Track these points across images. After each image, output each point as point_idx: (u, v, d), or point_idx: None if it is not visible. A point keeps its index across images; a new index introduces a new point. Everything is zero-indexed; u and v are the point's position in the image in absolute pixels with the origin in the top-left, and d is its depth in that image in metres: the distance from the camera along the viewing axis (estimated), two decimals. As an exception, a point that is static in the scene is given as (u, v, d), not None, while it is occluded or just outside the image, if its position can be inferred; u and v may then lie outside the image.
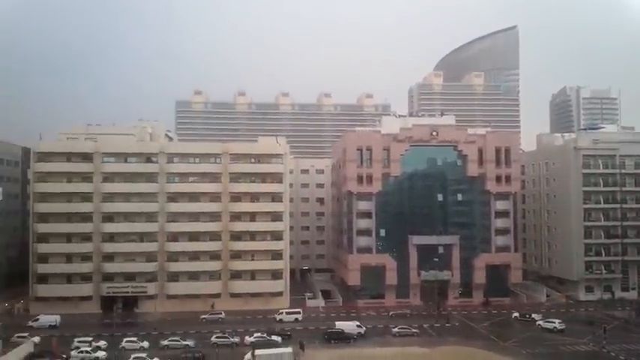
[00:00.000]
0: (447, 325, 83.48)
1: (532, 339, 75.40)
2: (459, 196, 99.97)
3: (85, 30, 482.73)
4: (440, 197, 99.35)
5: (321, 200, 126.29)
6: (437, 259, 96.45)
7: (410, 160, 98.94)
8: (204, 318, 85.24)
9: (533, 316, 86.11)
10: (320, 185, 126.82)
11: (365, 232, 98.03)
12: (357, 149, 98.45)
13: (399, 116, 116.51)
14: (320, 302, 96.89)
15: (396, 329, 77.89)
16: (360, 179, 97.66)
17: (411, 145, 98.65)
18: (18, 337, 71.13)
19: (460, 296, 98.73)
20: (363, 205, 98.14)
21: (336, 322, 79.47)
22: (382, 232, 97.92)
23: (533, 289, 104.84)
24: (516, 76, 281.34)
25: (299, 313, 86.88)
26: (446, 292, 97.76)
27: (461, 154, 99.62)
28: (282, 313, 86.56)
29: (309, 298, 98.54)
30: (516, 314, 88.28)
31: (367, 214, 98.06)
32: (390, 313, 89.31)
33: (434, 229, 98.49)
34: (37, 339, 69.75)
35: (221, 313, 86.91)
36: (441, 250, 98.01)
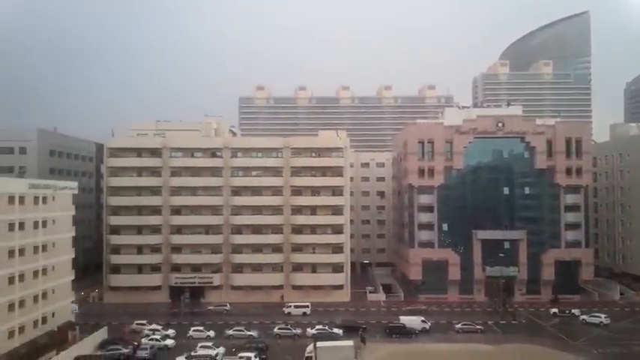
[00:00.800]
0: (513, 322, 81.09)
1: (602, 338, 71.91)
2: (526, 190, 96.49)
3: (151, 31, 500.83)
4: (506, 191, 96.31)
5: (381, 194, 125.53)
6: (502, 255, 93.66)
7: (474, 153, 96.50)
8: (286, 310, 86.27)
9: (573, 311, 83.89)
10: (380, 179, 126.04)
11: (427, 226, 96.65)
12: (419, 142, 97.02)
13: (463, 107, 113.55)
14: (381, 296, 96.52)
15: (459, 325, 76.43)
16: (421, 172, 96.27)
17: (475, 137, 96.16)
18: (137, 324, 75.25)
19: (527, 293, 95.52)
20: (424, 199, 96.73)
21: (400, 317, 78.90)
22: (444, 227, 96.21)
23: (605, 286, 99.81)
24: (588, 64, 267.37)
25: (307, 307, 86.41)
26: (512, 288, 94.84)
27: (528, 146, 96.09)
28: (290, 306, 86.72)
29: (370, 292, 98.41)
30: (555, 310, 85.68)
31: (429, 208, 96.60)
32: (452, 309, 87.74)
33: (499, 224, 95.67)
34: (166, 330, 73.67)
35: (293, 306, 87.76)
36: (506, 245, 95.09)
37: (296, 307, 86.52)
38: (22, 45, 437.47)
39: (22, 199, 61.50)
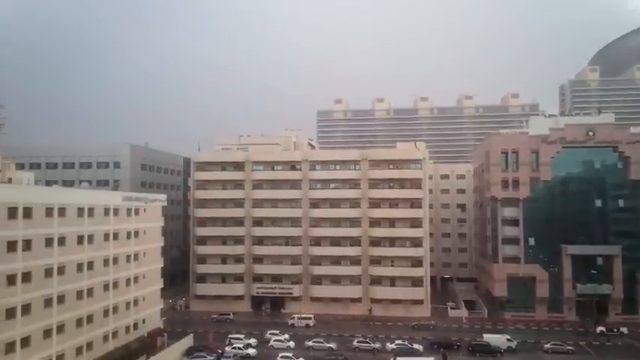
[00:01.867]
0: (607, 343, 75.79)
1: None
2: (621, 202, 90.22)
3: (233, 49, 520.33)
4: (598, 203, 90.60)
5: (462, 206, 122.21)
6: (595, 271, 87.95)
7: (562, 163, 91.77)
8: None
9: (621, 329, 79.41)
10: (461, 191, 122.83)
11: (512, 241, 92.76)
12: (502, 152, 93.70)
13: (549, 116, 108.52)
14: (463, 313, 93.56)
15: (548, 345, 72.46)
16: (505, 184, 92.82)
17: (564, 147, 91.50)
18: (271, 333, 76.33)
19: (623, 313, 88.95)
20: (508, 212, 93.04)
21: (484, 335, 76.08)
22: (531, 241, 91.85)
23: None
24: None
25: (310, 318, 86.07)
26: (606, 307, 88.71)
27: (622, 156, 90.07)
28: (294, 317, 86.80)
29: (451, 308, 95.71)
30: (602, 328, 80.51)
31: (514, 222, 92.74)
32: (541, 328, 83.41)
33: (591, 238, 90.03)
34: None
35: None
36: (599, 261, 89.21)
37: (299, 318, 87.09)
38: (120, 67, 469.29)
39: (116, 211, 65.73)
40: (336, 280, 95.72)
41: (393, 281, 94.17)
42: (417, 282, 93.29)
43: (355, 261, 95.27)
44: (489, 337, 74.48)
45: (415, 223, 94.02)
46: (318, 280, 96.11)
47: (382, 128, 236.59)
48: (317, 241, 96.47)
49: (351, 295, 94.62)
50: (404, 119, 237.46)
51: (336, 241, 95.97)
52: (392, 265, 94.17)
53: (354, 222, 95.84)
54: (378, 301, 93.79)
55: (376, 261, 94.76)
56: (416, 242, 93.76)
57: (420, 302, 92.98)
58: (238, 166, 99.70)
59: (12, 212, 48.02)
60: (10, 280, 47.35)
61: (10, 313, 47.32)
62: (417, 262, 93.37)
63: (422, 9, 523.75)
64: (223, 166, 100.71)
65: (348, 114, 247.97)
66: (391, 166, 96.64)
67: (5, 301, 46.54)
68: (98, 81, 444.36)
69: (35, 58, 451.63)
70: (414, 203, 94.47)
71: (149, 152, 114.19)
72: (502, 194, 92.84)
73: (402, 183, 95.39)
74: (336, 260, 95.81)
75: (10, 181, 54.28)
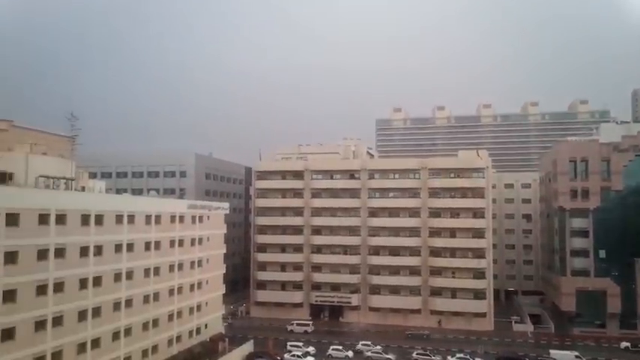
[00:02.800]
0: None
1: None
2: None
3: (289, 61, 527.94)
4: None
5: (527, 217, 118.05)
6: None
7: (635, 172, 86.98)
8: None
9: None
10: (526, 200, 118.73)
11: (580, 253, 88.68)
12: (571, 160, 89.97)
13: (621, 123, 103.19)
14: (528, 327, 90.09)
15: (620, 364, 68.73)
16: (573, 194, 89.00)
17: (637, 155, 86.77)
18: (334, 348, 75.20)
19: None
20: (577, 223, 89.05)
21: (551, 351, 72.95)
22: (602, 253, 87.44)
23: None
24: None
25: (308, 325, 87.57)
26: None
27: None
28: (292, 324, 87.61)
29: (515, 322, 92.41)
30: (627, 344, 77.49)
31: (583, 233, 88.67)
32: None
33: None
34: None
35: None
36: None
37: (298, 324, 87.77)
38: (186, 82, 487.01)
39: (181, 219, 68.02)
40: (395, 290, 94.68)
41: (454, 293, 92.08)
42: (479, 294, 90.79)
43: (415, 271, 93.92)
44: (556, 354, 71.44)
45: (477, 233, 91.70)
46: (376, 289, 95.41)
47: (442, 136, 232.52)
48: (375, 251, 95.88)
49: (411, 306, 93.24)
50: (465, 127, 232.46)
51: (395, 251, 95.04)
52: (453, 277, 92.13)
53: (414, 231, 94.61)
54: (439, 313, 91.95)
55: (437, 272, 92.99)
56: (478, 253, 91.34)
57: (482, 315, 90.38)
58: (298, 174, 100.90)
59: (85, 219, 50.65)
60: (82, 284, 49.84)
61: (82, 315, 49.79)
62: (479, 274, 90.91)
63: (484, 17, 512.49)
64: (283, 174, 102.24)
65: (407, 122, 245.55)
66: (452, 175, 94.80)
67: (78, 304, 49.04)
68: (167, 94, 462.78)
69: (108, 72, 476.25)
70: (477, 213, 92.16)
71: (213, 161, 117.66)
72: (570, 204, 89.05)
73: (463, 192, 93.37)
74: (395, 270, 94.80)
75: (83, 189, 57.28)
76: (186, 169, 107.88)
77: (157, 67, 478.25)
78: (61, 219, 47.23)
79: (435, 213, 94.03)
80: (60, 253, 46.96)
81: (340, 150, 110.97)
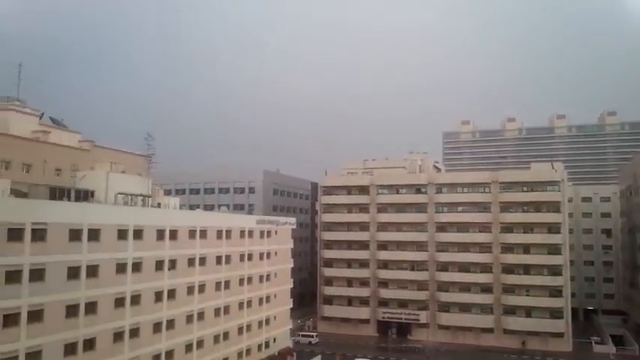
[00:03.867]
0: None
1: None
2: None
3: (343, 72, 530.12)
4: None
5: (607, 232, 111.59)
6: None
7: None
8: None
9: None
10: (606, 215, 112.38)
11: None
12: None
13: None
14: (610, 349, 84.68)
15: None
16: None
17: None
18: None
19: None
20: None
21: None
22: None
23: None
24: None
25: (312, 336, 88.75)
26: None
27: None
28: (298, 335, 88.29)
29: (596, 343, 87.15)
30: None
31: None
32: None
33: None
34: None
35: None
36: None
37: (303, 335, 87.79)
38: (252, 98, 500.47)
39: (251, 233, 69.58)
40: (465, 308, 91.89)
41: (528, 312, 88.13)
42: (556, 313, 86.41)
43: (486, 288, 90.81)
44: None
45: (553, 249, 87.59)
46: (445, 307, 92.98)
47: (513, 149, 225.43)
48: (444, 267, 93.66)
49: (482, 325, 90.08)
50: (537, 138, 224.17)
51: (464, 267, 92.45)
52: (527, 294, 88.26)
53: (484, 247, 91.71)
54: (512, 332, 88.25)
55: (509, 289, 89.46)
56: (554, 270, 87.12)
57: (559, 335, 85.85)
58: (363, 189, 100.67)
59: (160, 234, 52.90)
60: (158, 296, 51.92)
61: (157, 327, 51.75)
62: (555, 292, 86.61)
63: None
64: (349, 189, 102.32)
65: (476, 135, 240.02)
66: (525, 189, 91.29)
67: (153, 316, 51.05)
68: (234, 112, 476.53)
69: (181, 92, 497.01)
70: (552, 228, 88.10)
71: (280, 177, 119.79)
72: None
73: (537, 206, 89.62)
74: (465, 287, 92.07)
75: (159, 205, 59.86)
76: (255, 185, 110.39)
77: (226, 86, 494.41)
78: (138, 234, 49.55)
79: (507, 228, 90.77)
80: (137, 267, 49.20)
81: (406, 164, 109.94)
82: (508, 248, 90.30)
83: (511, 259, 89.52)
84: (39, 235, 39.68)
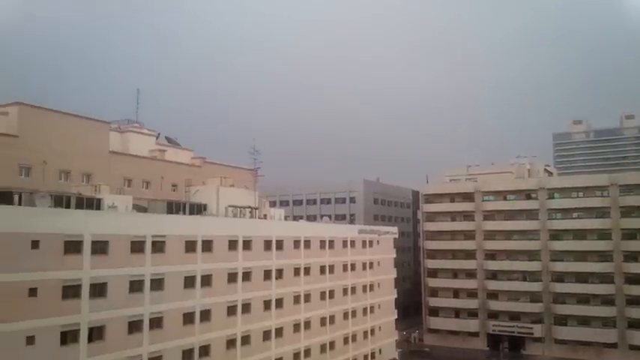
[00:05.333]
0: None
1: None
2: None
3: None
4: None
5: None
6: None
7: None
8: None
9: None
10: None
11: None
12: None
13: None
14: None
15: None
16: None
17: None
18: None
19: None
20: None
21: None
22: None
23: None
24: None
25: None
26: None
27: None
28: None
29: None
30: None
31: None
32: None
33: None
34: None
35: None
36: None
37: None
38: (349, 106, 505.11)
39: (353, 243, 69.91)
40: (584, 321, 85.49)
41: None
42: (692, 329, 77.92)
43: (607, 300, 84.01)
44: None
45: (685, 258, 79.22)
46: (562, 320, 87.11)
47: (634, 148, 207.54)
48: (559, 277, 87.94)
49: (604, 340, 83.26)
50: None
51: (582, 277, 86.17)
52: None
53: (604, 256, 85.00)
54: (638, 348, 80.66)
55: (634, 301, 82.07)
56: (688, 281, 78.69)
57: (698, 354, 77.26)
58: (467, 196, 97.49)
59: (267, 244, 54.78)
60: (266, 305, 53.66)
61: (266, 335, 53.36)
62: (690, 305, 78.16)
63: None
64: (452, 197, 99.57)
65: (590, 135, 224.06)
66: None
67: (262, 324, 52.75)
68: (334, 124, 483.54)
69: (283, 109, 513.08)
70: (683, 234, 79.83)
71: (380, 187, 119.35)
72: None
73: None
74: (584, 299, 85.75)
75: (265, 217, 62.06)
76: (356, 195, 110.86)
77: (333, 99, 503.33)
78: (247, 245, 51.69)
79: (630, 235, 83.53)
80: (247, 276, 51.24)
81: (513, 169, 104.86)
82: (631, 257, 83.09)
83: (635, 268, 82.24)
84: (158, 246, 42.63)
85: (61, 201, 39.06)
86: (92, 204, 41.24)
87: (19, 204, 36.96)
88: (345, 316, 66.81)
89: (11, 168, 47.48)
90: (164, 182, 61.75)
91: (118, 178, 56.19)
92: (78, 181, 51.87)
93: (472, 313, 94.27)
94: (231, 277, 49.47)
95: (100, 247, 38.12)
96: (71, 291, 35.97)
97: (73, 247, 36.43)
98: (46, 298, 34.31)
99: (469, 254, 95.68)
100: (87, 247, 37.20)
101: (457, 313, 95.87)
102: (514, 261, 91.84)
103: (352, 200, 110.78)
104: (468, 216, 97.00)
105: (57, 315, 34.82)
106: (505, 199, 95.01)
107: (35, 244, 34.10)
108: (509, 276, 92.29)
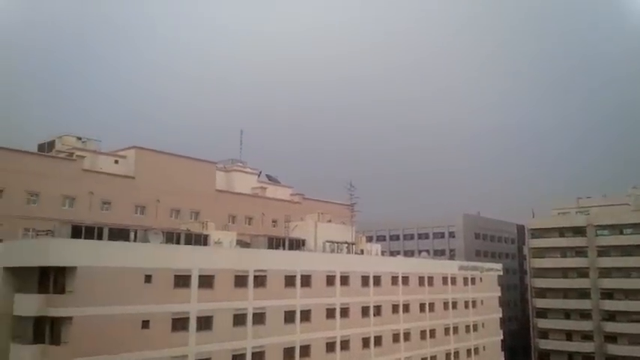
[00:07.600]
0: None
1: None
2: None
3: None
4: None
5: None
6: None
7: None
8: None
9: None
10: None
11: None
12: None
13: None
14: None
15: None
16: None
17: None
18: None
19: None
20: None
21: None
22: None
23: None
24: None
25: None
26: None
27: None
28: None
29: None
30: None
31: None
32: None
33: None
34: None
35: None
36: None
37: None
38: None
39: (453, 280, 67.57)
40: None
41: None
42: None
43: None
44: None
45: None
46: (696, 369, 77.72)
47: None
48: (691, 320, 78.92)
49: None
50: None
51: None
52: None
53: None
54: None
55: None
56: None
57: None
58: (579, 230, 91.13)
59: (364, 280, 54.50)
60: (365, 342, 52.97)
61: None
62: None
63: None
64: (561, 231, 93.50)
65: None
66: None
67: (363, 361, 52.14)
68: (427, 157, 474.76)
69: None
70: None
71: (481, 221, 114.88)
72: None
73: None
74: None
75: (362, 252, 61.98)
76: (455, 229, 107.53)
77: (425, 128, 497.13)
78: (344, 280, 51.81)
79: None
80: (345, 312, 51.17)
81: (630, 200, 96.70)
82: None
83: None
84: (260, 281, 43.98)
85: (171, 237, 41.76)
86: (200, 240, 43.70)
87: (135, 240, 39.97)
88: (448, 357, 64.17)
89: (128, 207, 51.79)
90: (265, 218, 64.09)
91: (224, 214, 59.17)
92: (187, 218, 55.36)
93: (588, 357, 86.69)
94: (330, 313, 49.67)
95: (206, 281, 40.09)
96: (180, 323, 37.97)
97: (182, 281, 38.66)
98: (158, 330, 36.44)
99: (583, 293, 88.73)
100: (194, 281, 39.29)
101: (570, 356, 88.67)
102: (635, 301, 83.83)
103: (451, 235, 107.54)
104: (580, 252, 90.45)
105: (167, 347, 36.81)
106: (622, 233, 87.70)
107: (148, 278, 36.62)
108: (630, 317, 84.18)
